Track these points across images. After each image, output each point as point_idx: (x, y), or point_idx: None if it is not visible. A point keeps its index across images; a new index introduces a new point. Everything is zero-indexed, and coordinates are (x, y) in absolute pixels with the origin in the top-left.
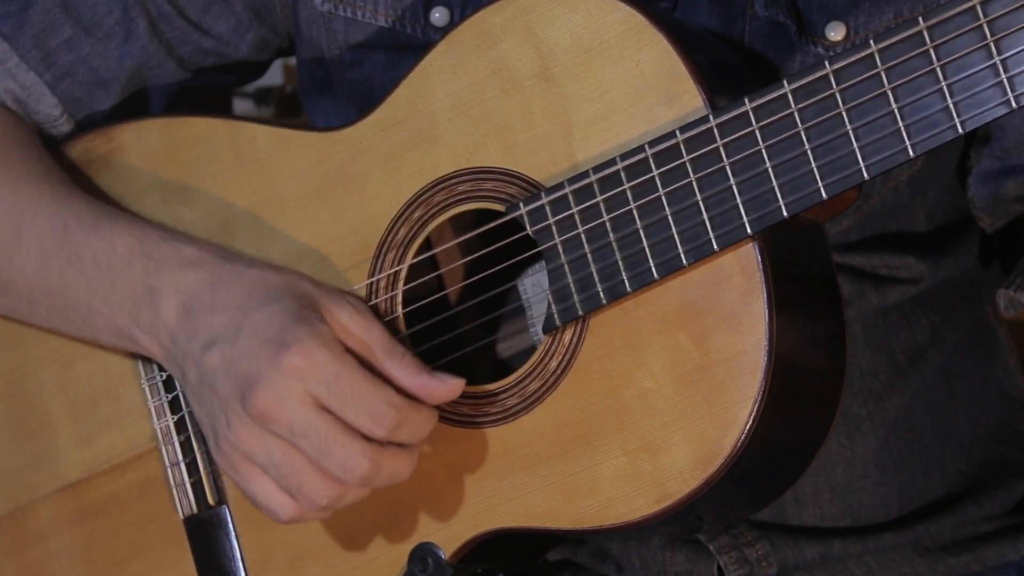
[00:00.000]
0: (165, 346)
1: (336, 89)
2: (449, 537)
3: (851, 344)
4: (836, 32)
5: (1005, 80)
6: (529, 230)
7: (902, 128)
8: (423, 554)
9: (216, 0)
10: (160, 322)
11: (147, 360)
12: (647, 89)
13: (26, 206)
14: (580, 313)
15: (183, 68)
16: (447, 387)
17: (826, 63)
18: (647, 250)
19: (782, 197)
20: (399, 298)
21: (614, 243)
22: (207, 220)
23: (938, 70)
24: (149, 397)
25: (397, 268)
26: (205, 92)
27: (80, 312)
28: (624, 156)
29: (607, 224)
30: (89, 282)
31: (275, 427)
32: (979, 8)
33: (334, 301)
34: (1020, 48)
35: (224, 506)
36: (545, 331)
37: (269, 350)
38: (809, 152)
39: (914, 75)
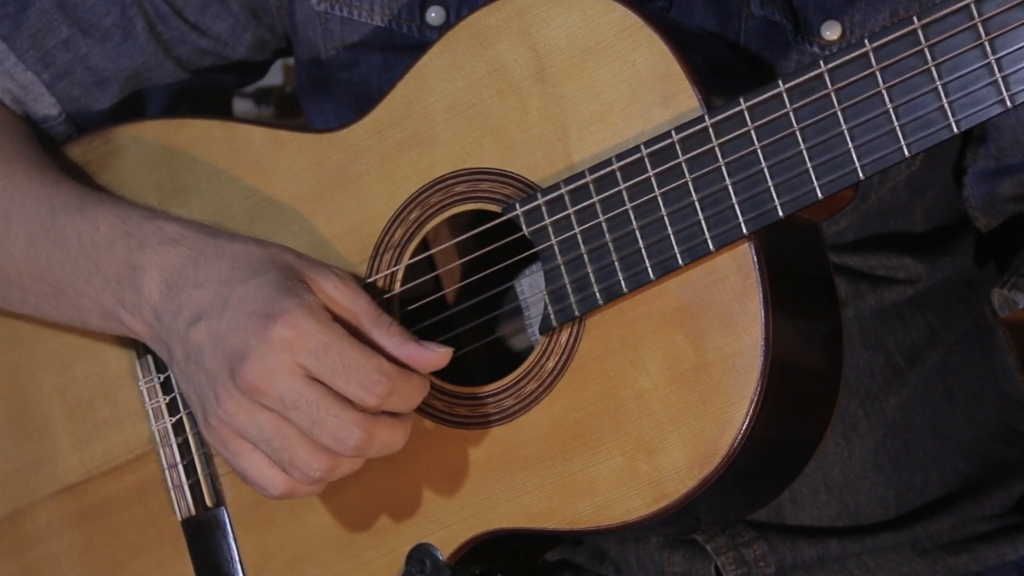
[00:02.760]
0: (150, 324)
1: (334, 90)
2: (447, 538)
3: (848, 344)
4: (832, 31)
5: (1000, 79)
6: (525, 231)
7: (897, 128)
8: (421, 555)
9: (213, 1)
10: (143, 300)
11: (145, 362)
12: (643, 89)
13: (15, 192)
14: (577, 314)
15: (182, 69)
16: (435, 355)
17: (821, 62)
18: (643, 250)
19: (778, 197)
20: (396, 299)
21: (610, 244)
22: (204, 222)
23: (933, 69)
24: (147, 399)
25: (394, 269)
26: (205, 93)
27: (67, 295)
28: (620, 156)
29: (603, 225)
30: (75, 264)
31: (265, 400)
32: (974, 7)
33: (319, 272)
34: (1015, 47)
35: (222, 508)
36: (542, 332)
37: (256, 323)
38: (804, 152)
39: (909, 74)
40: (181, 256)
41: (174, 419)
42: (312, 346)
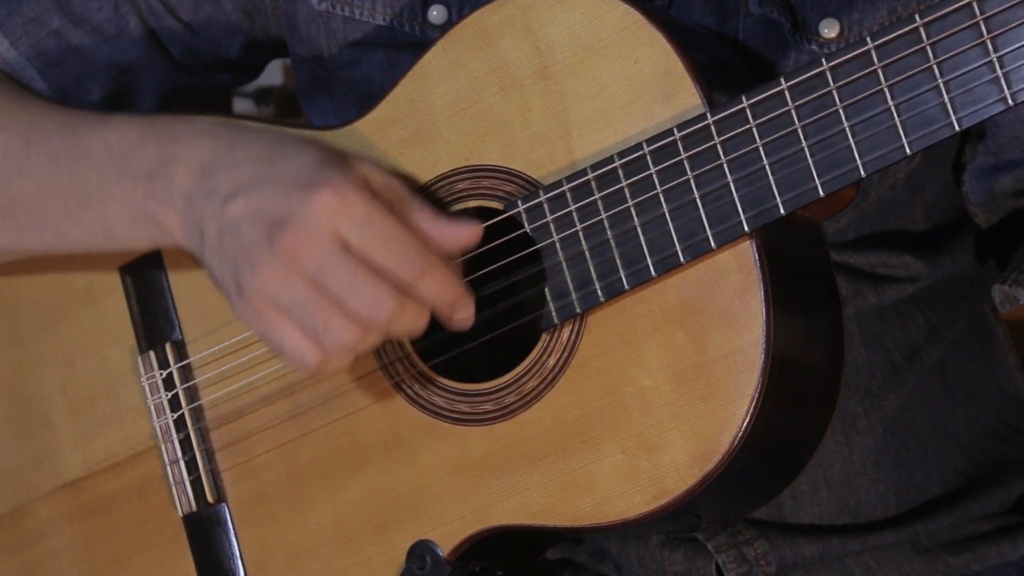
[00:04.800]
0: (181, 211)
1: (335, 89)
2: (447, 535)
3: (847, 343)
4: (830, 29)
5: (1001, 77)
6: (527, 228)
7: (898, 125)
8: (421, 552)
9: (207, 0)
10: (175, 189)
11: (147, 357)
12: (645, 87)
13: (34, 116)
14: (578, 311)
15: (175, 67)
16: (466, 231)
17: (823, 60)
18: (644, 248)
19: (779, 194)
20: None
21: (612, 241)
22: None
23: (935, 67)
24: (148, 395)
25: None
26: (202, 92)
27: (93, 205)
28: (622, 154)
29: (605, 222)
30: (101, 171)
31: (303, 265)
32: (975, 5)
33: (354, 155)
34: (1016, 45)
35: (223, 504)
36: (543, 329)
37: (299, 191)
38: (806, 149)
39: (910, 72)
40: (215, 144)
41: (175, 415)
42: (357, 217)
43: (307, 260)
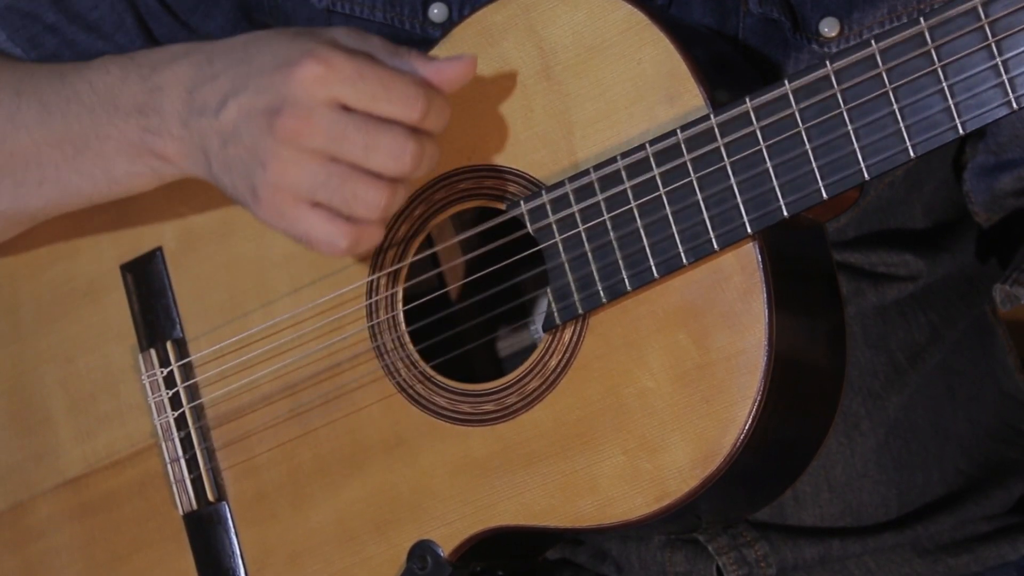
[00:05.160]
0: (180, 137)
1: None
2: (448, 535)
3: (850, 343)
4: (830, 28)
5: (1006, 81)
6: (529, 228)
7: (903, 128)
8: (422, 552)
9: None
10: (168, 116)
11: (148, 355)
12: (648, 88)
13: (23, 72)
14: (580, 312)
15: None
16: (460, 64)
17: (827, 63)
18: (647, 249)
19: (782, 197)
20: (399, 295)
21: (614, 242)
22: (208, 217)
23: (939, 71)
24: (149, 393)
25: (398, 265)
26: None
27: (91, 147)
28: (625, 155)
29: (607, 223)
30: (92, 112)
31: (311, 142)
32: (981, 9)
33: (324, 27)
34: (1021, 49)
35: (224, 502)
36: (545, 329)
37: (282, 73)
38: (810, 152)
39: (915, 75)
40: (194, 62)
41: (176, 413)
42: (346, 75)
43: (314, 136)
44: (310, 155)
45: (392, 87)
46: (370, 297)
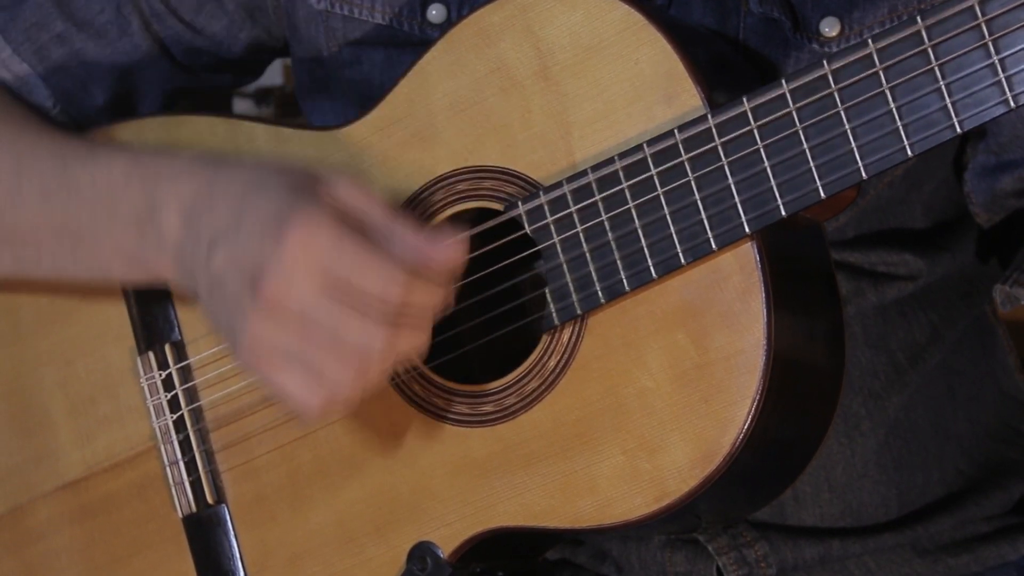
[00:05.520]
0: (174, 259)
1: (335, 89)
2: (448, 536)
3: (850, 343)
4: (831, 28)
5: (1003, 79)
6: (527, 229)
7: (900, 127)
8: (422, 553)
9: (209, 0)
10: (165, 236)
11: (147, 358)
12: (646, 88)
13: (24, 148)
14: (578, 312)
15: (177, 67)
16: (450, 248)
17: (824, 62)
18: (645, 249)
19: (780, 196)
20: None
21: (612, 242)
22: None
23: (936, 69)
24: (148, 396)
25: None
26: (202, 93)
27: (86, 245)
28: (622, 155)
29: (605, 223)
30: (92, 211)
31: (288, 311)
32: (977, 7)
33: (329, 176)
34: (1018, 47)
35: (223, 505)
36: (544, 330)
37: (270, 230)
38: (807, 151)
39: (912, 74)
40: (195, 184)
41: (175, 415)
42: (326, 245)
43: (290, 307)
44: (286, 322)
45: (370, 268)
46: None
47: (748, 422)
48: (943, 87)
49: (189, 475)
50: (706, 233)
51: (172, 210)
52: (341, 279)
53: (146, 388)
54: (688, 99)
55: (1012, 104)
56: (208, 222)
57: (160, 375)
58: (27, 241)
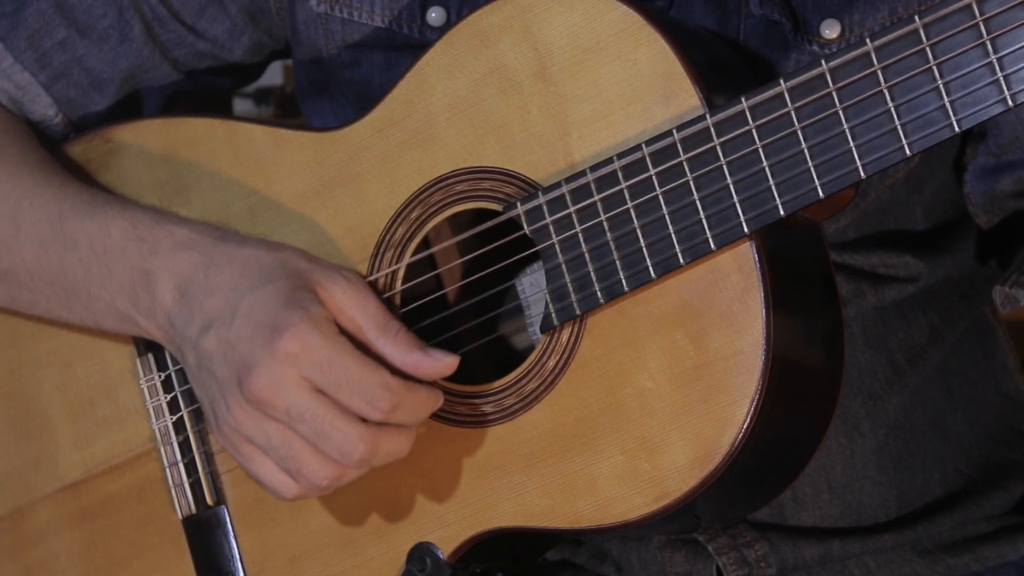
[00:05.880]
0: (164, 329)
1: (334, 90)
2: (447, 537)
3: (850, 344)
4: (831, 30)
5: (1001, 78)
6: (526, 229)
7: (898, 126)
8: (421, 554)
9: (211, 3)
10: (158, 305)
11: (146, 360)
12: (644, 88)
13: (22, 195)
14: (578, 312)
15: (178, 71)
16: (441, 364)
17: (822, 62)
18: (644, 249)
19: (779, 196)
20: (397, 297)
21: (611, 242)
22: (205, 220)
23: (934, 68)
24: (148, 398)
25: (395, 267)
26: (201, 95)
27: (80, 298)
28: (621, 155)
29: (604, 223)
30: (87, 269)
31: (272, 412)
32: (975, 6)
33: (328, 277)
34: (1016, 46)
35: (223, 506)
36: (543, 330)
37: (263, 335)
38: (806, 151)
39: (910, 73)
40: (193, 261)
41: (175, 417)
42: (316, 360)
43: (275, 408)
44: (269, 419)
45: (356, 383)
46: None
47: (747, 422)
48: (941, 86)
49: (189, 477)
50: (705, 233)
51: (167, 283)
52: (329, 387)
53: (146, 390)
54: (686, 99)
55: (1010, 103)
56: (202, 305)
57: (160, 377)
58: (23, 284)
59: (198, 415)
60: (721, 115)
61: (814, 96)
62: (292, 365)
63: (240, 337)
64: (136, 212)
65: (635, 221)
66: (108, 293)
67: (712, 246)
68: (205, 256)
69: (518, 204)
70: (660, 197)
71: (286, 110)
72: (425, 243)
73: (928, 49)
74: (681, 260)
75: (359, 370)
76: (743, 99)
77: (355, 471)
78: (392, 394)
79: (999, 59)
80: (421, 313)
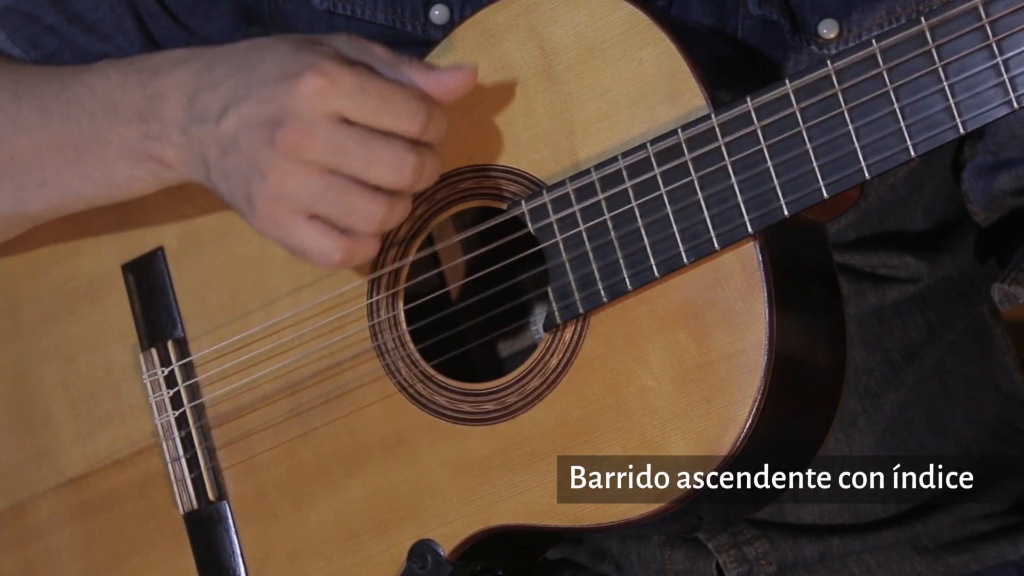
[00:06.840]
0: (179, 143)
1: None
2: (448, 534)
3: (847, 342)
4: (829, 30)
5: (1007, 81)
6: (530, 228)
7: (903, 128)
8: (422, 551)
9: (204, 0)
10: (168, 123)
11: (149, 355)
12: (649, 87)
13: (23, 77)
14: (581, 311)
15: None
16: (460, 74)
17: (828, 63)
18: (648, 248)
19: (783, 196)
20: (400, 295)
21: (615, 241)
22: (209, 217)
23: (940, 70)
24: (150, 392)
25: (399, 265)
26: None
27: (91, 152)
28: (626, 154)
29: (608, 222)
30: (93, 117)
31: (312, 154)
32: (981, 8)
33: (325, 35)
34: (1022, 49)
35: (224, 502)
36: (546, 329)
37: (284, 85)
38: (810, 151)
39: (916, 75)
40: (194, 69)
41: (177, 412)
42: (347, 89)
43: (314, 148)
44: (310, 168)
45: (393, 101)
46: (371, 296)
47: (749, 422)
48: (946, 88)
49: (191, 472)
50: (708, 232)
51: (173, 98)
52: (365, 112)
53: (148, 385)
54: (691, 98)
55: (1015, 105)
56: (213, 97)
57: (162, 372)
58: (29, 164)
59: (200, 410)
60: (726, 115)
61: (819, 97)
62: (322, 100)
63: (260, 102)
64: (130, 57)
65: (639, 220)
66: (117, 133)
67: (716, 245)
68: (205, 61)
69: (522, 202)
70: (664, 196)
71: None
72: (429, 241)
73: (934, 51)
74: (685, 259)
75: (390, 89)
76: (748, 99)
77: (401, 205)
78: (427, 105)
79: (1005, 61)
80: (424, 311)
